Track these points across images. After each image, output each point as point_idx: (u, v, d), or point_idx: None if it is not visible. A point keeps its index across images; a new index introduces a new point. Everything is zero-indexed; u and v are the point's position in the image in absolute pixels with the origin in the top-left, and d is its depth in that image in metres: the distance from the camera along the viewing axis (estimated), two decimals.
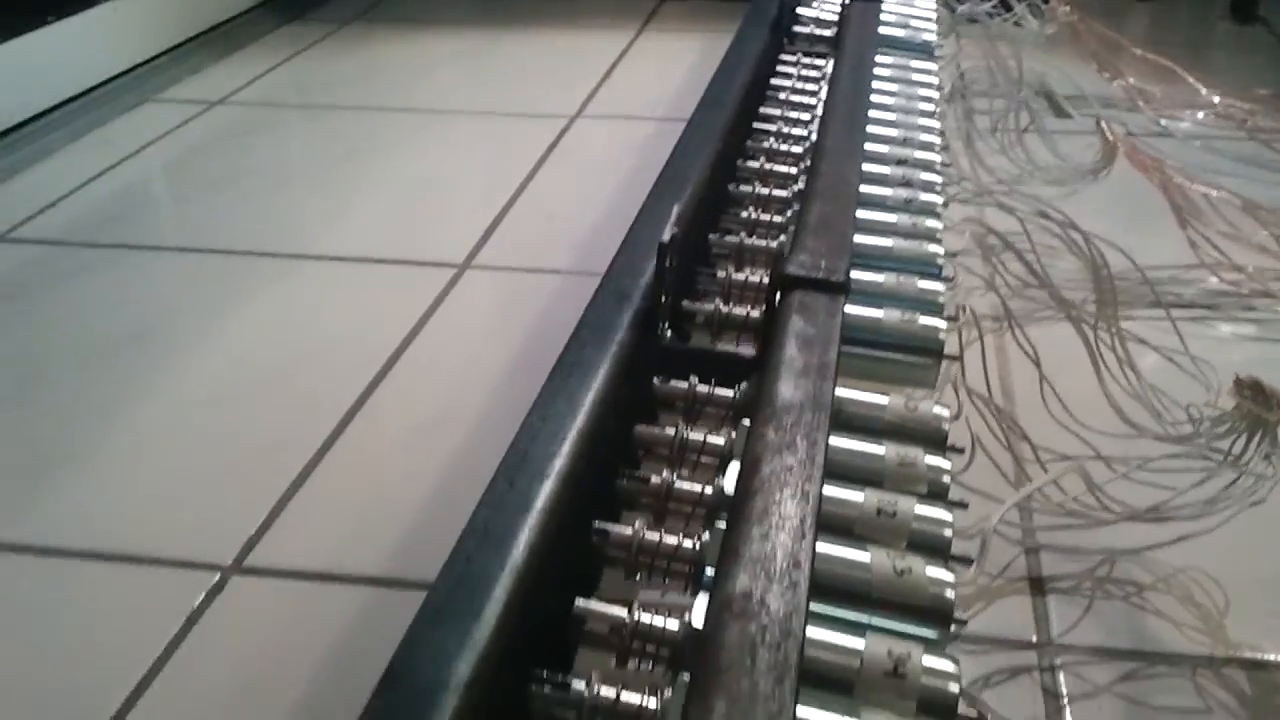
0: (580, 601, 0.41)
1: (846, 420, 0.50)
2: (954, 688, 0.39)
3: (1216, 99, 1.33)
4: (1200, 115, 1.34)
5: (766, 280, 0.60)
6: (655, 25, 1.80)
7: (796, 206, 0.64)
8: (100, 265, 1.11)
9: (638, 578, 0.44)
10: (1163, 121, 1.31)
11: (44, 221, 1.20)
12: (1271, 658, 0.66)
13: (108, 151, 1.37)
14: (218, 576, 0.72)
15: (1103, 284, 0.76)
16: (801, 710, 0.35)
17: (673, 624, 0.40)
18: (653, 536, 0.44)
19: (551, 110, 1.44)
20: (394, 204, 1.23)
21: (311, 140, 1.41)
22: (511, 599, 0.38)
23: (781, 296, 0.52)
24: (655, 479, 0.48)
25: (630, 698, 0.38)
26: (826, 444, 0.43)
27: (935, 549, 0.44)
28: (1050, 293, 0.78)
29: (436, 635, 0.37)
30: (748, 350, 0.56)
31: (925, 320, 0.58)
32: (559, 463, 0.44)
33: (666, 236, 0.53)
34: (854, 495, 0.45)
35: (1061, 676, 0.64)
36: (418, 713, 0.34)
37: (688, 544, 0.44)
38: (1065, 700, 0.63)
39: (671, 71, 1.54)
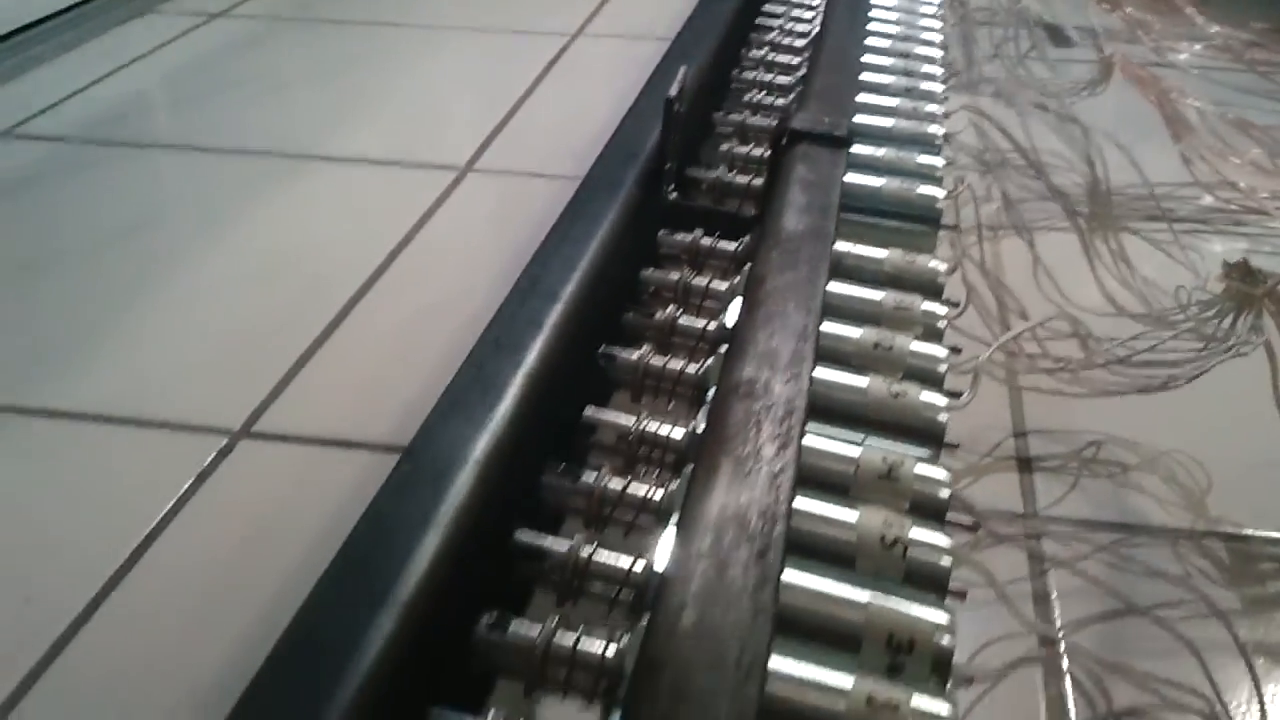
0: (589, 409, 0.43)
1: (846, 270, 0.52)
2: (944, 493, 0.41)
3: (1214, 29, 1.34)
4: (1198, 47, 1.35)
5: (769, 151, 0.62)
6: None
7: (800, 83, 0.66)
8: (106, 161, 1.12)
9: (642, 400, 0.46)
10: (1161, 52, 1.32)
11: (48, 121, 1.20)
12: (1250, 531, 0.68)
13: (110, 58, 1.37)
14: (226, 440, 0.73)
15: (1096, 179, 0.78)
16: (799, 502, 0.37)
17: (678, 432, 0.42)
18: (658, 361, 0.46)
19: (553, 29, 1.44)
20: (395, 112, 1.23)
21: (313, 52, 1.41)
22: (522, 398, 0.40)
23: (787, 147, 0.54)
24: (660, 314, 0.49)
25: (637, 488, 0.39)
26: (828, 269, 0.44)
27: (929, 380, 0.46)
28: (1045, 182, 0.79)
29: (452, 422, 0.38)
30: (750, 212, 0.58)
31: (923, 189, 0.59)
32: (568, 288, 0.46)
33: (673, 92, 0.54)
34: (852, 330, 0.47)
35: (1045, 545, 0.66)
36: (434, 480, 0.35)
37: (691, 369, 0.46)
38: (1048, 565, 0.65)
39: None
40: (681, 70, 0.56)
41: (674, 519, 0.34)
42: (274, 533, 0.66)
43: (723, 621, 0.28)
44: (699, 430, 0.39)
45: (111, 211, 1.02)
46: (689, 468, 0.37)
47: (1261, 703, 0.54)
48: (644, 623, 0.31)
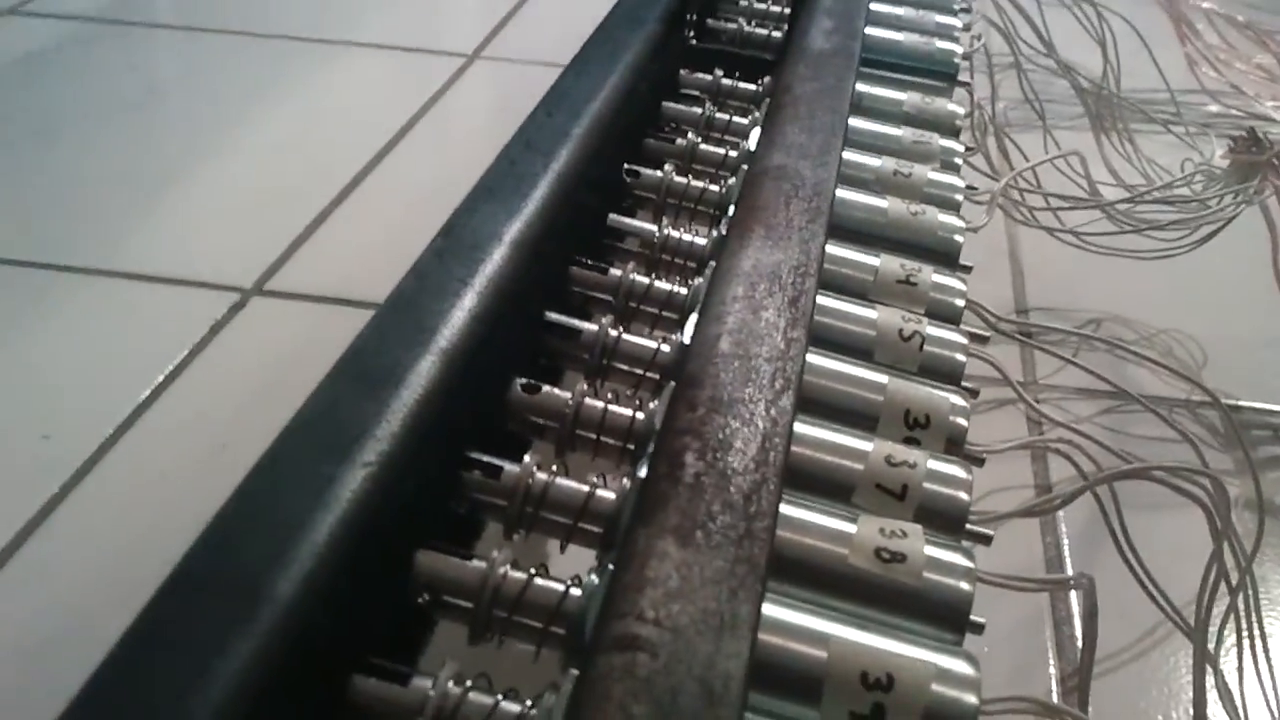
0: (614, 217, 0.44)
1: (866, 108, 0.52)
2: (960, 302, 0.42)
3: None
4: None
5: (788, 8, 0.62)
6: None
7: None
8: (117, 38, 1.11)
9: (664, 219, 0.47)
10: None
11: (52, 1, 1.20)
12: (1244, 402, 0.69)
13: None
14: (238, 296, 0.74)
15: (1107, 63, 0.78)
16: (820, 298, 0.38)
17: (701, 240, 0.43)
18: (681, 180, 0.47)
19: None
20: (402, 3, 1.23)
21: None
22: (552, 193, 0.41)
23: None
24: (683, 141, 0.50)
25: (662, 285, 0.40)
26: (853, 88, 0.45)
27: (947, 205, 0.47)
28: (1055, 58, 0.80)
29: (487, 206, 0.39)
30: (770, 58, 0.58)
31: (942, 44, 0.60)
32: (595, 105, 0.47)
33: None
34: (873, 160, 0.48)
35: (1045, 409, 0.68)
36: (471, 250, 0.36)
37: (714, 187, 0.46)
38: (1045, 428, 0.67)
39: None
40: None
41: (708, 275, 0.35)
42: (283, 382, 0.67)
43: (758, 351, 0.29)
44: (724, 232, 0.40)
45: (124, 85, 1.02)
46: (710, 265, 0.38)
47: (1261, 517, 0.55)
48: (669, 390, 0.32)
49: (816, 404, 0.35)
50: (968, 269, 0.46)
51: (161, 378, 0.67)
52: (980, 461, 0.37)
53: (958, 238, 0.45)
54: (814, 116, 0.41)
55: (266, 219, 0.83)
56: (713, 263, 0.38)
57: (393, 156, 0.92)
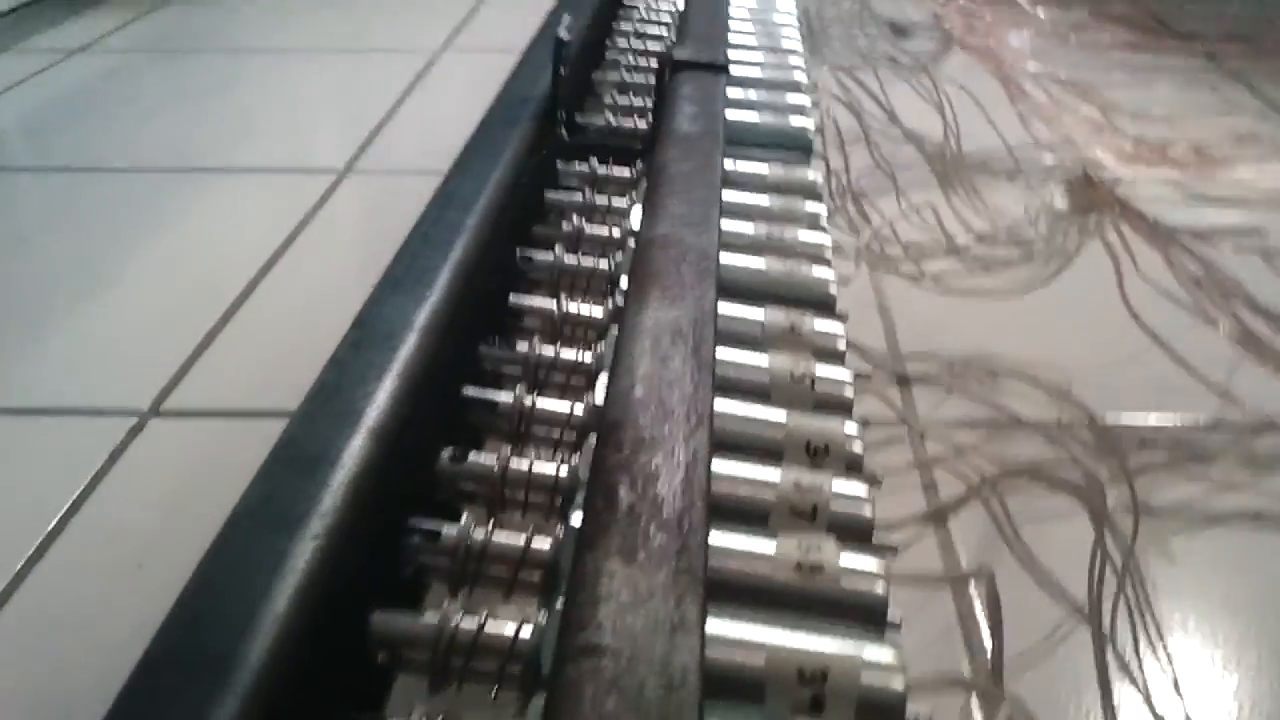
0: (514, 296, 0.46)
1: (736, 181, 0.56)
2: (841, 344, 0.46)
3: (1042, 14, 1.44)
4: (1027, 32, 1.46)
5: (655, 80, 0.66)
6: None
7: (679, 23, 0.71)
8: None
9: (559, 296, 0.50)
10: (995, 37, 1.43)
11: None
12: (1110, 418, 0.74)
13: None
14: (136, 419, 0.74)
15: (946, 125, 0.85)
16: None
17: (597, 311, 0.46)
18: (572, 259, 0.50)
19: (418, 46, 1.48)
20: (268, 126, 1.25)
21: (178, 78, 1.41)
22: (455, 279, 0.43)
23: (672, 75, 0.58)
24: (568, 225, 0.53)
25: (567, 353, 0.43)
26: (721, 164, 0.49)
27: (819, 260, 0.50)
28: (899, 125, 0.86)
29: (395, 298, 0.41)
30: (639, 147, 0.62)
31: (796, 121, 0.65)
32: (484, 198, 0.49)
33: (564, 35, 0.59)
34: (746, 226, 0.52)
35: (928, 444, 0.72)
36: (384, 344, 0.38)
37: (603, 264, 0.49)
38: (931, 459, 0.71)
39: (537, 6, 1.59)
40: (566, 17, 0.60)
41: (613, 337, 0.37)
42: (192, 497, 0.67)
43: (670, 395, 0.32)
44: (619, 301, 0.43)
45: None
46: (613, 330, 0.41)
47: (1135, 512, 0.59)
48: (591, 441, 0.34)
49: (727, 443, 0.37)
50: (844, 316, 0.50)
51: (66, 507, 0.66)
52: (878, 481, 0.40)
53: (832, 288, 0.49)
54: (691, 190, 0.44)
55: (157, 341, 0.83)
56: (613, 329, 0.41)
57: (277, 270, 0.93)
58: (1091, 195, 0.68)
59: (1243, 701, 0.50)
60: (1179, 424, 0.74)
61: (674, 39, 0.73)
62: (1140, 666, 0.48)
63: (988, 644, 0.50)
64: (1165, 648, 0.49)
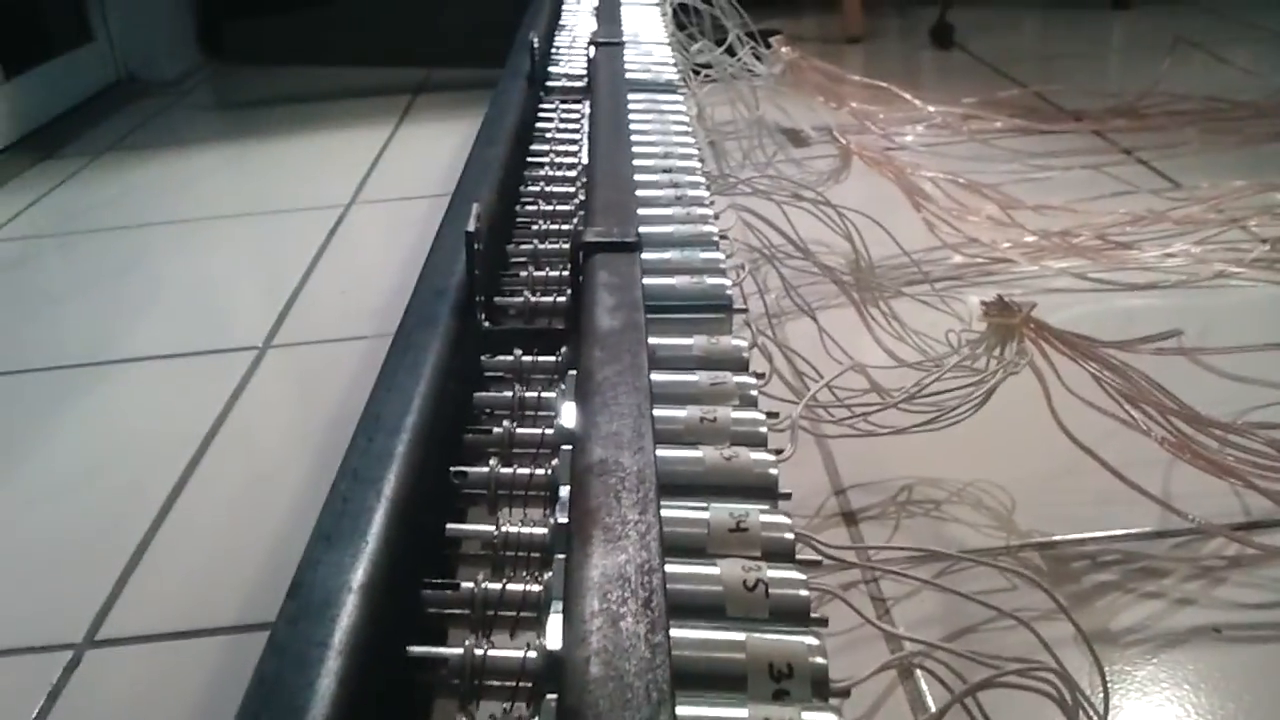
0: (452, 525, 0.45)
1: (660, 361, 0.56)
2: (790, 535, 0.45)
3: (933, 109, 1.49)
4: (921, 128, 1.50)
5: (568, 267, 0.66)
6: (411, 119, 1.86)
7: (581, 201, 0.71)
8: None
9: (498, 513, 0.49)
10: (890, 137, 1.46)
11: None
12: (1057, 537, 0.75)
13: None
14: (71, 654, 0.71)
15: (858, 254, 0.86)
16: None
17: (539, 531, 0.45)
18: (507, 471, 0.49)
19: (325, 202, 1.48)
20: (180, 304, 1.23)
21: (83, 262, 1.39)
22: (390, 524, 0.42)
23: (584, 260, 0.58)
24: (499, 429, 0.52)
25: (514, 587, 0.42)
26: (647, 358, 0.48)
27: (755, 441, 0.50)
28: (812, 260, 0.87)
29: (330, 555, 0.40)
30: (561, 326, 0.62)
31: (713, 280, 0.65)
32: (411, 419, 0.48)
33: (471, 227, 0.58)
34: (678, 412, 0.51)
35: (883, 585, 0.72)
36: (322, 615, 0.37)
37: (540, 472, 0.49)
38: (889, 602, 0.70)
39: (438, 152, 1.60)
40: (475, 206, 0.60)
41: (559, 590, 0.36)
42: None
43: (626, 667, 0.31)
44: (560, 519, 0.42)
45: None
46: (559, 556, 0.40)
47: (1104, 680, 0.59)
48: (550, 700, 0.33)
49: (688, 678, 0.36)
50: (787, 496, 0.49)
51: None
52: (846, 693, 0.39)
53: (772, 471, 0.49)
54: (619, 401, 0.44)
55: (82, 564, 0.80)
56: (559, 556, 0.40)
57: (205, 463, 0.91)
58: (1009, 319, 0.69)
59: None
60: (1125, 532, 0.75)
61: (581, 203, 0.73)
62: None
63: None
64: None
